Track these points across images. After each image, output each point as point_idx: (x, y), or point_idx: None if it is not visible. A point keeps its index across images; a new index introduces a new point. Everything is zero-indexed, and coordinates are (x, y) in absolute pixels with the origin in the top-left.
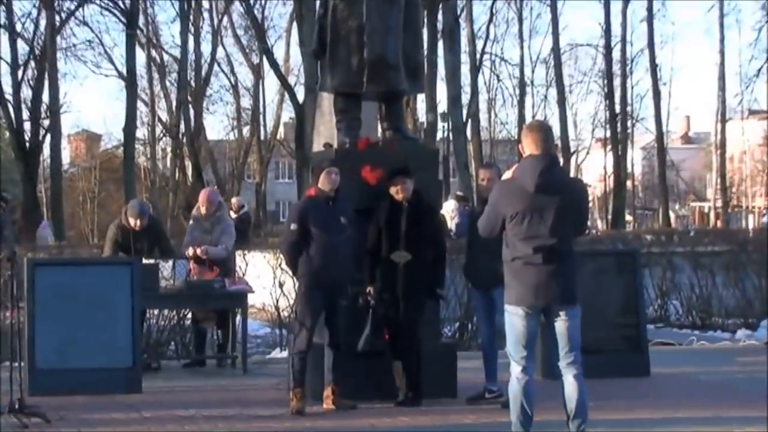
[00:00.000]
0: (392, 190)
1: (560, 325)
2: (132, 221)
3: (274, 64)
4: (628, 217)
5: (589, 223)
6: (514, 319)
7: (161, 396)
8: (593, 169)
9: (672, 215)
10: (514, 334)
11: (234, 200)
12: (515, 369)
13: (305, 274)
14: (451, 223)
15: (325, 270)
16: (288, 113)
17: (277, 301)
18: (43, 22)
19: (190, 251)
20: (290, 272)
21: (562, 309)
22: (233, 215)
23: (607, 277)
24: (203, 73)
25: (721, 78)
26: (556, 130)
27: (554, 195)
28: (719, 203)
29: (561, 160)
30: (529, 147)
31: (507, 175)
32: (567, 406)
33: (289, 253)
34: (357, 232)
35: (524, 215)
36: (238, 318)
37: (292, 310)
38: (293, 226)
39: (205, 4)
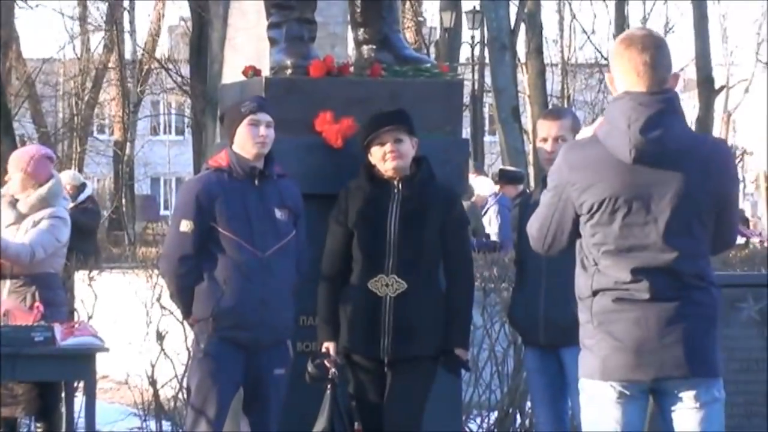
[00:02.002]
0: (374, 156)
1: (685, 417)
2: None
3: None
4: None
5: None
6: (598, 404)
7: None
8: (758, 121)
9: None
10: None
11: (66, 176)
12: None
13: (208, 317)
14: (488, 223)
15: (244, 310)
16: (176, 12)
17: (153, 368)
18: None
19: None
20: (179, 313)
21: (690, 387)
22: (68, 204)
23: None
24: None
25: None
26: (687, 48)
27: (671, 169)
28: None
29: (685, 105)
30: (624, 77)
31: (585, 132)
32: None
33: (178, 277)
34: (307, 237)
35: (614, 207)
36: (79, 399)
37: (181, 386)
38: (185, 226)
39: None
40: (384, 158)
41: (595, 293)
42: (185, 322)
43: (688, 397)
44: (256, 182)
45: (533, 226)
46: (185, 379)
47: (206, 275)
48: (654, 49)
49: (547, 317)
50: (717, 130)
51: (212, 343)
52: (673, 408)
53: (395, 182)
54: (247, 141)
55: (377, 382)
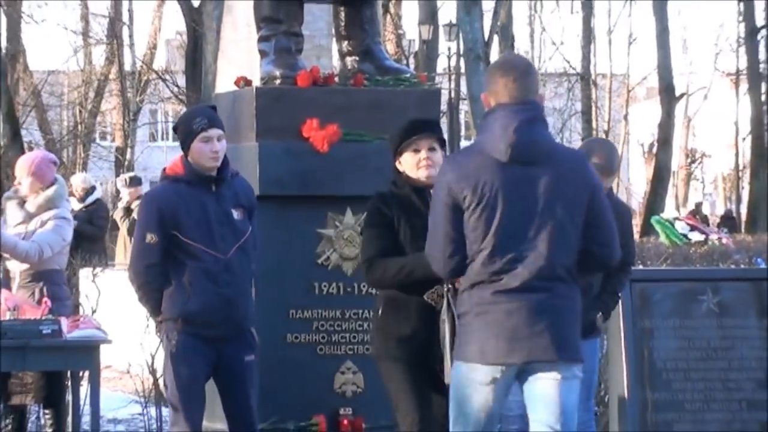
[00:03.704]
0: (407, 163)
1: (547, 386)
2: None
3: None
4: None
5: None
6: (467, 385)
7: None
8: (716, 126)
9: None
10: (465, 411)
11: (78, 179)
12: None
13: (175, 317)
14: None
15: (210, 311)
16: (172, 26)
17: (153, 359)
18: None
19: None
20: (150, 314)
21: (554, 368)
22: (77, 205)
23: (735, 319)
24: None
25: None
26: (649, 58)
27: (542, 166)
28: None
29: (649, 111)
30: (497, 94)
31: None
32: None
33: (145, 284)
34: (252, 234)
35: (494, 203)
36: (84, 388)
37: None
38: (150, 237)
39: None
40: (418, 165)
41: (473, 285)
42: (156, 321)
43: (551, 374)
44: (213, 188)
45: (432, 247)
46: (164, 374)
47: (172, 279)
48: (527, 76)
49: None
50: (678, 135)
51: (180, 340)
52: (536, 381)
53: (431, 191)
54: (201, 156)
55: (432, 383)
